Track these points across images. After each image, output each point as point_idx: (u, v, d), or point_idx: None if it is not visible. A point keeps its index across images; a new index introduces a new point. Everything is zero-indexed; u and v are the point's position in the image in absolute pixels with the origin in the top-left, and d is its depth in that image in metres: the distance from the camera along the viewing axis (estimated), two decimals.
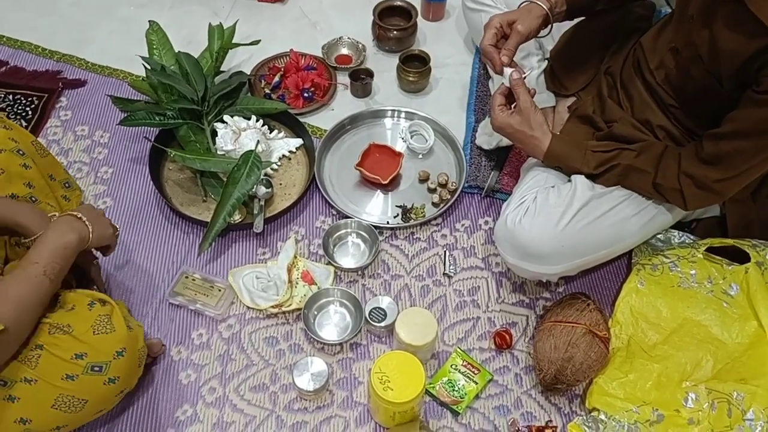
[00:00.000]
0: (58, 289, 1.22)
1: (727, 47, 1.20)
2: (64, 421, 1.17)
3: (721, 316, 1.43)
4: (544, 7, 1.44)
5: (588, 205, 1.36)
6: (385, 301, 1.47)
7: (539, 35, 1.47)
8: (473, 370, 1.43)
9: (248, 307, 1.51)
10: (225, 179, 1.67)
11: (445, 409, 1.40)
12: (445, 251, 1.61)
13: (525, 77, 1.40)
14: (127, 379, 1.23)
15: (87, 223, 1.26)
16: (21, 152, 1.40)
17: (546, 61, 1.71)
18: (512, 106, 1.43)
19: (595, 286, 1.58)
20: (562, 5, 1.47)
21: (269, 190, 1.66)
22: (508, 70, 1.40)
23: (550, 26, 1.47)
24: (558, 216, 1.34)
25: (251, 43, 1.92)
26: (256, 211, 1.61)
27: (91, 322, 1.19)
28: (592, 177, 1.39)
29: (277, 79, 1.89)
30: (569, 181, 1.42)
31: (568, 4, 1.47)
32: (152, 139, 1.70)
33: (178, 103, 1.68)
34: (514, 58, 1.44)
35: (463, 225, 1.67)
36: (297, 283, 1.53)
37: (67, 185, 1.53)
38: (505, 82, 1.42)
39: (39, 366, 1.14)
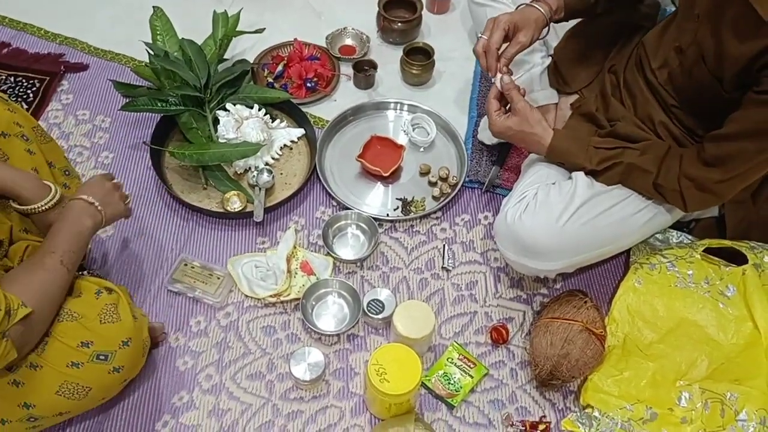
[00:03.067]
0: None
1: (731, 48, 1.20)
2: (67, 408, 1.18)
3: (717, 316, 1.44)
4: (546, 15, 1.44)
5: (588, 203, 1.36)
6: (383, 294, 1.48)
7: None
8: (469, 363, 1.44)
9: (246, 296, 1.52)
10: (226, 168, 1.68)
11: (440, 402, 1.41)
12: (444, 245, 1.62)
13: (516, 79, 1.41)
14: (131, 369, 1.24)
15: (99, 207, 1.26)
16: (25, 137, 1.39)
17: (549, 58, 1.70)
18: (506, 108, 1.44)
19: (592, 284, 1.59)
20: (561, 11, 1.47)
21: (270, 179, 1.66)
22: (498, 75, 1.41)
23: (547, 30, 1.47)
24: (558, 213, 1.35)
25: (255, 31, 1.91)
26: (256, 200, 1.61)
27: (98, 310, 1.19)
28: (594, 174, 1.39)
29: (280, 68, 1.89)
30: (570, 178, 1.42)
31: (566, 9, 1.48)
32: (154, 125, 1.71)
33: (180, 90, 1.67)
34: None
35: (462, 219, 1.67)
36: (296, 273, 1.53)
37: (66, 173, 1.53)
38: (497, 85, 1.42)
39: (45, 352, 1.14)
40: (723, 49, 1.22)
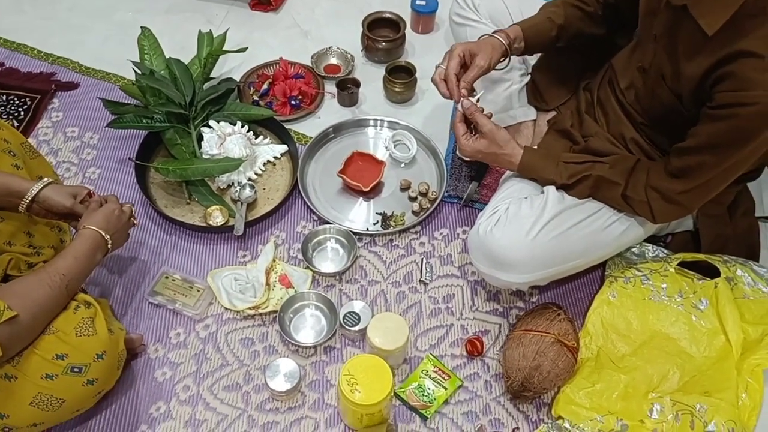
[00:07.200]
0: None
1: (685, 66, 1.24)
2: (41, 419, 1.20)
3: (690, 329, 1.45)
4: (504, 42, 1.47)
5: (559, 216, 1.38)
6: (358, 306, 1.50)
7: (497, 68, 1.51)
8: (443, 375, 1.45)
9: (225, 308, 1.54)
10: (209, 183, 1.71)
11: (414, 414, 1.42)
12: (422, 259, 1.64)
13: (477, 102, 1.43)
14: (105, 381, 1.26)
15: (109, 243, 1.33)
16: (12, 153, 1.43)
17: (528, 76, 1.74)
18: (473, 129, 1.45)
19: (568, 297, 1.60)
20: (520, 41, 1.50)
21: (252, 193, 1.69)
22: (461, 99, 1.43)
23: (507, 59, 1.50)
24: (528, 226, 1.37)
25: (238, 50, 1.95)
26: (237, 214, 1.64)
27: (74, 323, 1.22)
28: (565, 188, 1.42)
29: (265, 86, 1.93)
30: (542, 192, 1.44)
31: (526, 41, 1.51)
32: (140, 140, 1.75)
33: (165, 107, 1.71)
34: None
35: (441, 233, 1.70)
36: (274, 286, 1.55)
37: None
38: (460, 110, 1.44)
39: (20, 363, 1.17)
40: (679, 68, 1.25)
